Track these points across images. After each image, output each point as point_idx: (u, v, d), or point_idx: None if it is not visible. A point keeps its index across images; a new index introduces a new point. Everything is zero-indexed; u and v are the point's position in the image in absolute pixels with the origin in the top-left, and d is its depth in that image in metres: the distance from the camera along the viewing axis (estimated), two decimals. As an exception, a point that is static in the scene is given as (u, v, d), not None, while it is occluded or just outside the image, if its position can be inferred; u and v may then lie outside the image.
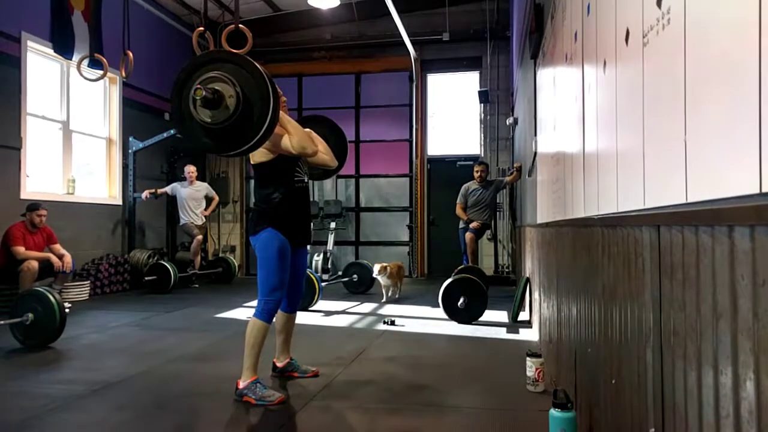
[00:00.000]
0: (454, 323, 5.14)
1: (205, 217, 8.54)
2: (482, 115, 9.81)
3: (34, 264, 5.57)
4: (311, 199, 7.61)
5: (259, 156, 3.09)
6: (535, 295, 4.62)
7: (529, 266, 5.29)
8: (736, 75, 0.81)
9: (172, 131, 8.03)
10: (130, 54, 5.58)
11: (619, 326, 1.59)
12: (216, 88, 2.61)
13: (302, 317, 4.79)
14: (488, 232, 8.32)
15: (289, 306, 3.36)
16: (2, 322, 4.18)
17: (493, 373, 3.51)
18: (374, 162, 10.16)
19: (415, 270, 9.78)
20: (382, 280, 6.54)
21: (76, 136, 7.56)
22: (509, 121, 8.29)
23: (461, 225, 7.29)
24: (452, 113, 10.17)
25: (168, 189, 8.33)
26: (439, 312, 5.32)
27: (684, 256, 1.06)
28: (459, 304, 5.17)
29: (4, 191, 6.20)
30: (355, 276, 7.45)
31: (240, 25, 3.61)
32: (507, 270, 9.30)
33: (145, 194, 8.03)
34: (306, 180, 3.28)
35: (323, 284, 6.64)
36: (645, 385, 1.33)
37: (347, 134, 3.97)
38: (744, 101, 0.78)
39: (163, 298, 6.97)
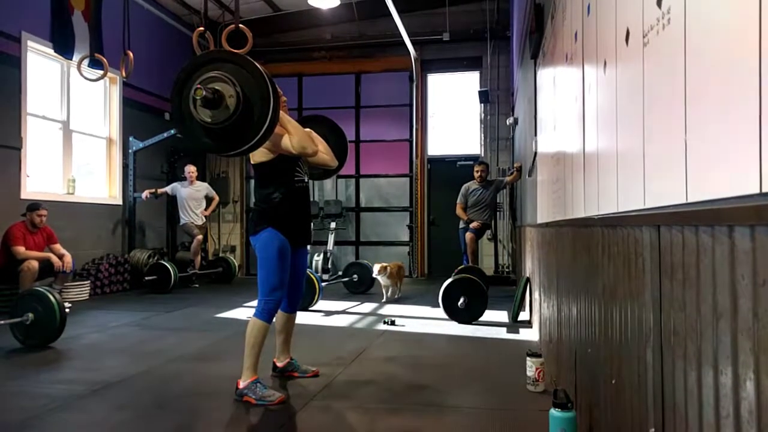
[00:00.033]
0: (454, 323, 5.14)
1: (206, 217, 8.54)
2: (482, 115, 9.81)
3: (35, 264, 5.57)
4: (311, 199, 7.62)
5: (259, 156, 3.09)
6: (535, 295, 4.62)
7: (530, 266, 5.29)
8: (736, 75, 0.81)
9: (172, 131, 8.03)
10: (131, 54, 5.58)
11: (620, 326, 1.59)
12: (216, 87, 2.61)
13: (302, 317, 4.79)
14: (488, 232, 8.32)
15: (289, 306, 3.36)
16: (2, 321, 4.18)
17: (494, 373, 3.51)
18: (374, 162, 10.16)
19: (416, 270, 9.78)
20: (382, 280, 6.54)
21: (77, 136, 7.56)
22: (509, 121, 8.29)
23: (461, 225, 7.29)
24: (452, 113, 10.17)
25: (168, 189, 8.33)
26: (440, 312, 5.32)
27: (684, 256, 1.06)
28: (459, 304, 5.17)
29: (5, 191, 6.20)
30: (355, 276, 7.45)
31: (240, 25, 3.61)
32: (507, 270, 9.30)
33: (145, 194, 8.03)
34: (306, 180, 3.28)
35: (323, 284, 6.64)
36: (645, 385, 1.33)
37: (347, 134, 3.97)
38: (744, 101, 0.78)
39: (164, 298, 6.97)
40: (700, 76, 0.97)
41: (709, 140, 0.92)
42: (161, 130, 8.34)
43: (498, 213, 8.98)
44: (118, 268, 7.62)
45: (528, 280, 5.39)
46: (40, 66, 6.98)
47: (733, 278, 0.85)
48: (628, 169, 1.45)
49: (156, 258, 7.99)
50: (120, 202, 8.20)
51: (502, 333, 4.81)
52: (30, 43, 6.63)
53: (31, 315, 4.17)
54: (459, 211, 7.28)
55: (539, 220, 4.11)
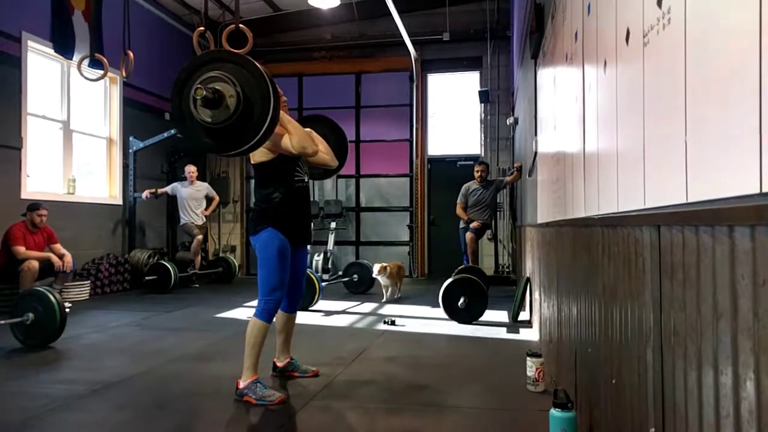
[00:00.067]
0: (454, 323, 5.14)
1: (206, 216, 8.54)
2: (482, 114, 9.81)
3: (35, 264, 5.57)
4: (311, 199, 7.62)
5: (259, 156, 3.09)
6: (536, 295, 4.62)
7: (530, 266, 5.29)
8: (737, 75, 0.81)
9: (172, 131, 8.04)
10: (131, 54, 5.58)
11: (620, 326, 1.59)
12: (216, 87, 2.61)
13: (302, 317, 4.79)
14: (488, 232, 8.32)
15: (289, 306, 3.36)
16: (3, 321, 4.18)
17: (494, 373, 3.51)
18: (374, 162, 10.16)
19: (416, 270, 9.78)
20: (381, 280, 6.54)
21: (77, 136, 7.56)
22: (509, 120, 8.29)
23: (461, 225, 7.29)
24: (452, 113, 10.17)
25: (168, 189, 8.33)
26: (440, 312, 5.31)
27: (684, 256, 1.06)
28: (459, 304, 5.17)
29: (5, 191, 6.20)
30: (355, 276, 7.45)
31: (240, 25, 3.61)
32: (507, 270, 9.30)
33: (145, 194, 8.03)
34: (306, 180, 3.28)
35: (323, 284, 6.64)
36: (645, 385, 1.33)
37: (347, 134, 3.97)
38: (744, 101, 0.78)
39: (164, 298, 6.97)
40: (700, 76, 0.96)
41: (709, 140, 0.92)
42: (161, 130, 8.34)
43: (498, 213, 8.98)
44: (119, 268, 7.62)
45: (528, 280, 5.39)
46: (41, 66, 6.98)
47: (734, 278, 0.85)
48: (628, 168, 1.45)
49: (156, 258, 7.99)
50: (120, 202, 8.20)
51: (502, 333, 4.81)
52: (30, 43, 6.64)
53: (31, 315, 4.17)
54: (459, 211, 7.28)
55: (539, 220, 4.11)
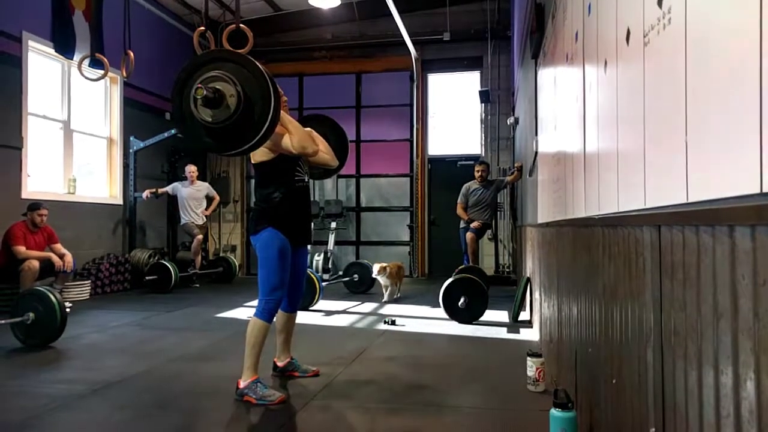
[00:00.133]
0: (454, 323, 5.14)
1: (206, 216, 8.55)
2: (483, 114, 9.81)
3: (35, 263, 5.57)
4: (312, 199, 7.61)
5: (259, 155, 3.09)
6: (536, 295, 4.62)
7: (530, 266, 5.28)
8: (737, 75, 0.81)
9: (172, 131, 8.04)
10: (131, 54, 5.58)
11: (620, 326, 1.59)
12: (217, 87, 2.61)
13: (303, 317, 4.79)
14: (489, 231, 8.32)
15: (289, 305, 3.36)
16: (3, 321, 4.18)
17: (494, 373, 3.51)
18: (375, 162, 10.16)
19: (416, 270, 9.77)
20: (381, 280, 6.55)
21: (77, 136, 7.56)
22: (510, 120, 8.29)
23: (462, 225, 7.30)
24: (453, 113, 10.17)
25: (169, 188, 8.34)
26: (440, 312, 5.31)
27: (685, 256, 1.06)
28: (460, 303, 5.17)
29: (5, 191, 6.21)
30: (355, 276, 7.45)
31: (241, 25, 3.61)
32: (508, 270, 9.30)
33: (145, 194, 8.03)
34: (306, 179, 3.28)
35: (324, 284, 6.64)
36: (646, 385, 1.33)
37: (348, 134, 3.97)
38: (744, 101, 0.78)
39: (164, 298, 6.97)
40: (700, 76, 0.96)
41: (710, 140, 0.92)
42: (162, 129, 8.35)
43: (498, 213, 8.98)
44: (119, 267, 7.63)
45: (528, 279, 5.38)
46: (41, 66, 6.98)
47: (734, 278, 0.85)
48: (628, 168, 1.45)
49: (156, 258, 7.99)
50: (120, 202, 8.20)
51: (502, 333, 4.81)
52: (31, 43, 6.64)
53: (31, 314, 4.18)
54: (459, 210, 7.28)
55: (540, 220, 4.11)
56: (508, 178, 7.34)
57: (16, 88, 6.42)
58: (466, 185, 7.32)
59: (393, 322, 5.13)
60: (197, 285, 8.29)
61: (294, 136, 3.05)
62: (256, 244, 3.11)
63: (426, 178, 10.01)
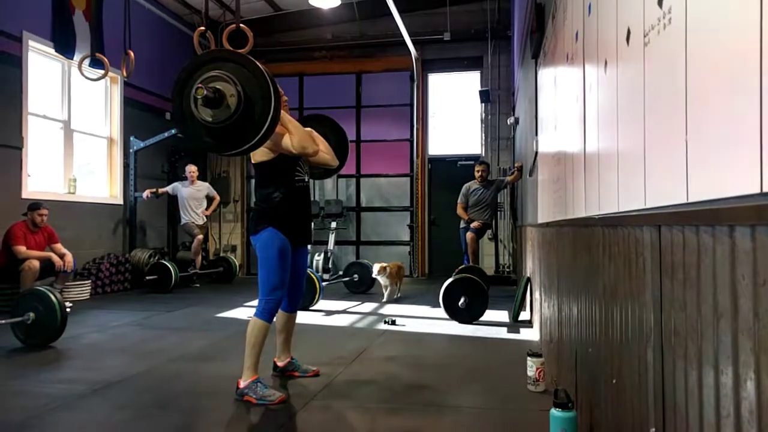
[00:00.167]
0: (454, 323, 5.14)
1: (206, 216, 8.55)
2: (483, 114, 9.81)
3: (36, 263, 5.57)
4: (312, 199, 7.61)
5: (259, 155, 3.09)
6: (536, 295, 4.62)
7: (530, 266, 5.28)
8: (737, 75, 0.81)
9: (173, 131, 8.04)
10: (131, 53, 5.58)
11: (620, 326, 1.59)
12: (217, 87, 2.61)
13: (303, 317, 4.79)
14: (489, 231, 8.32)
15: (289, 305, 3.36)
16: (3, 321, 4.19)
17: (494, 373, 3.51)
18: (375, 162, 10.16)
19: (416, 270, 9.77)
20: (381, 280, 6.55)
21: (78, 136, 7.56)
22: (510, 120, 8.29)
23: (462, 225, 7.30)
24: (453, 113, 10.17)
25: (169, 188, 8.34)
26: (440, 312, 5.31)
27: (685, 256, 1.06)
28: (460, 303, 5.17)
29: (6, 191, 6.21)
30: (355, 276, 7.45)
31: (241, 25, 3.61)
32: (508, 270, 9.30)
33: (146, 194, 8.03)
34: (307, 179, 3.28)
35: (324, 284, 6.64)
36: (646, 385, 1.33)
37: (348, 134, 3.97)
38: (745, 101, 0.78)
39: (164, 298, 6.97)
40: (700, 76, 0.96)
41: (710, 140, 0.92)
42: (162, 129, 8.35)
43: (499, 213, 8.98)
44: (119, 267, 7.63)
45: (529, 279, 5.38)
46: (41, 65, 6.98)
47: (734, 278, 0.85)
48: (628, 168, 1.45)
49: (157, 257, 7.99)
50: (121, 202, 8.20)
51: (502, 333, 4.81)
52: (31, 43, 6.64)
53: (32, 314, 4.18)
54: (460, 210, 7.28)
55: (540, 220, 4.11)
56: (509, 178, 7.34)
57: (17, 88, 6.42)
58: (466, 185, 7.32)
59: (393, 322, 5.13)
60: (197, 285, 8.29)
61: (294, 136, 3.05)
62: (256, 244, 3.11)
63: (426, 178, 10.01)
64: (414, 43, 9.06)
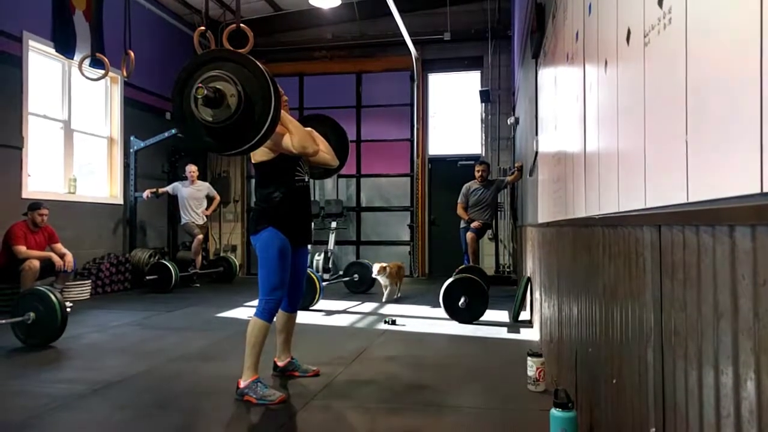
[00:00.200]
0: (455, 323, 5.14)
1: (207, 216, 8.55)
2: (483, 114, 9.81)
3: (36, 263, 5.57)
4: (312, 199, 7.62)
5: (260, 155, 3.09)
6: (536, 295, 4.62)
7: (530, 266, 5.28)
8: (737, 75, 0.81)
9: (173, 130, 8.04)
10: (132, 53, 5.58)
11: (620, 326, 1.59)
12: (217, 86, 2.61)
13: (303, 317, 4.79)
14: (489, 231, 8.31)
15: (289, 305, 3.36)
16: (4, 321, 4.19)
17: (494, 373, 3.51)
18: (375, 161, 10.16)
19: (416, 270, 9.77)
20: (381, 280, 6.54)
21: (78, 136, 7.56)
22: (510, 120, 8.29)
23: (462, 225, 7.30)
24: (453, 113, 10.17)
25: (169, 188, 8.34)
26: (440, 312, 5.31)
27: (685, 256, 1.06)
28: (460, 303, 5.17)
29: (6, 190, 6.21)
30: (356, 275, 7.45)
31: (241, 25, 3.61)
32: (508, 270, 9.30)
33: (146, 194, 8.04)
34: (307, 179, 3.28)
35: (324, 284, 6.64)
36: (646, 385, 1.33)
37: (348, 134, 3.97)
38: (745, 101, 0.78)
39: (164, 298, 6.98)
40: (700, 76, 0.96)
41: (710, 140, 0.92)
42: (162, 129, 8.35)
43: (499, 213, 8.97)
44: (119, 267, 7.63)
45: (529, 279, 5.38)
46: (42, 65, 6.98)
47: (734, 278, 0.85)
48: (628, 168, 1.45)
49: (157, 257, 7.99)
50: (121, 202, 8.20)
51: (502, 333, 4.80)
52: (31, 43, 6.64)
53: (32, 314, 4.18)
54: (460, 210, 7.28)
55: (540, 220, 4.11)
56: (509, 178, 7.34)
57: (17, 88, 6.42)
58: (466, 185, 7.32)
59: (393, 322, 5.13)
60: (197, 285, 8.29)
61: (294, 135, 3.05)
62: (256, 244, 3.11)
63: (426, 178, 10.00)
64: (414, 43, 9.06)
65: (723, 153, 0.87)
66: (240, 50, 2.95)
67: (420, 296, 7.14)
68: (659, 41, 1.18)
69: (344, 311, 6.00)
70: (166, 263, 7.53)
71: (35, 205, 5.85)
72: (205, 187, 8.52)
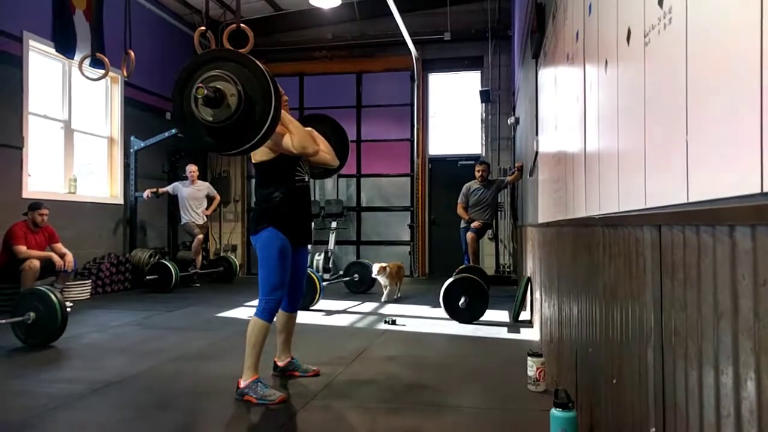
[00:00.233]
0: (455, 323, 5.14)
1: (207, 216, 8.55)
2: (483, 114, 9.81)
3: (36, 263, 5.57)
4: (312, 199, 7.62)
5: (260, 155, 3.09)
6: (536, 295, 4.62)
7: (530, 266, 5.28)
8: (737, 74, 0.81)
9: (173, 130, 8.04)
10: (132, 53, 5.58)
11: (620, 326, 1.59)
12: (218, 86, 2.61)
13: (303, 317, 4.79)
14: (489, 231, 8.31)
15: (289, 305, 3.36)
16: (4, 321, 4.19)
17: (494, 373, 3.51)
18: (375, 161, 10.16)
19: (416, 269, 9.77)
20: (381, 280, 6.55)
21: (78, 136, 7.56)
22: (510, 120, 8.29)
23: (462, 225, 7.30)
24: (453, 113, 10.17)
25: (169, 188, 8.34)
26: (440, 312, 5.31)
27: (685, 256, 1.06)
28: (460, 303, 5.17)
29: (6, 190, 6.21)
30: (356, 275, 7.45)
31: (241, 25, 3.61)
32: (508, 270, 9.29)
33: (146, 193, 8.04)
34: (307, 179, 3.28)
35: (324, 284, 6.64)
36: (646, 385, 1.33)
37: (348, 133, 3.97)
38: (745, 101, 0.78)
39: (165, 298, 6.98)
40: (701, 76, 0.96)
41: (710, 140, 0.92)
42: (162, 129, 8.35)
43: (499, 213, 8.97)
44: (120, 267, 7.63)
45: (529, 279, 5.38)
46: (42, 65, 6.98)
47: (734, 278, 0.85)
48: (629, 168, 1.45)
49: (157, 257, 7.99)
50: (121, 202, 8.20)
51: (503, 333, 4.80)
52: (31, 43, 6.64)
53: (32, 314, 4.18)
54: (460, 210, 7.28)
55: (540, 220, 4.11)
56: (509, 178, 7.34)
57: (17, 88, 6.42)
58: (466, 185, 7.32)
59: (393, 322, 5.13)
60: (198, 285, 8.29)
61: (294, 135, 3.05)
62: (256, 244, 3.11)
63: (426, 178, 10.00)
64: (414, 42, 9.06)
65: (723, 153, 0.87)
66: (240, 50, 2.95)
67: (420, 296, 7.14)
68: (659, 41, 1.18)
69: (344, 311, 6.00)
70: (167, 263, 7.53)
71: (35, 205, 5.85)
72: (205, 187, 8.52)
